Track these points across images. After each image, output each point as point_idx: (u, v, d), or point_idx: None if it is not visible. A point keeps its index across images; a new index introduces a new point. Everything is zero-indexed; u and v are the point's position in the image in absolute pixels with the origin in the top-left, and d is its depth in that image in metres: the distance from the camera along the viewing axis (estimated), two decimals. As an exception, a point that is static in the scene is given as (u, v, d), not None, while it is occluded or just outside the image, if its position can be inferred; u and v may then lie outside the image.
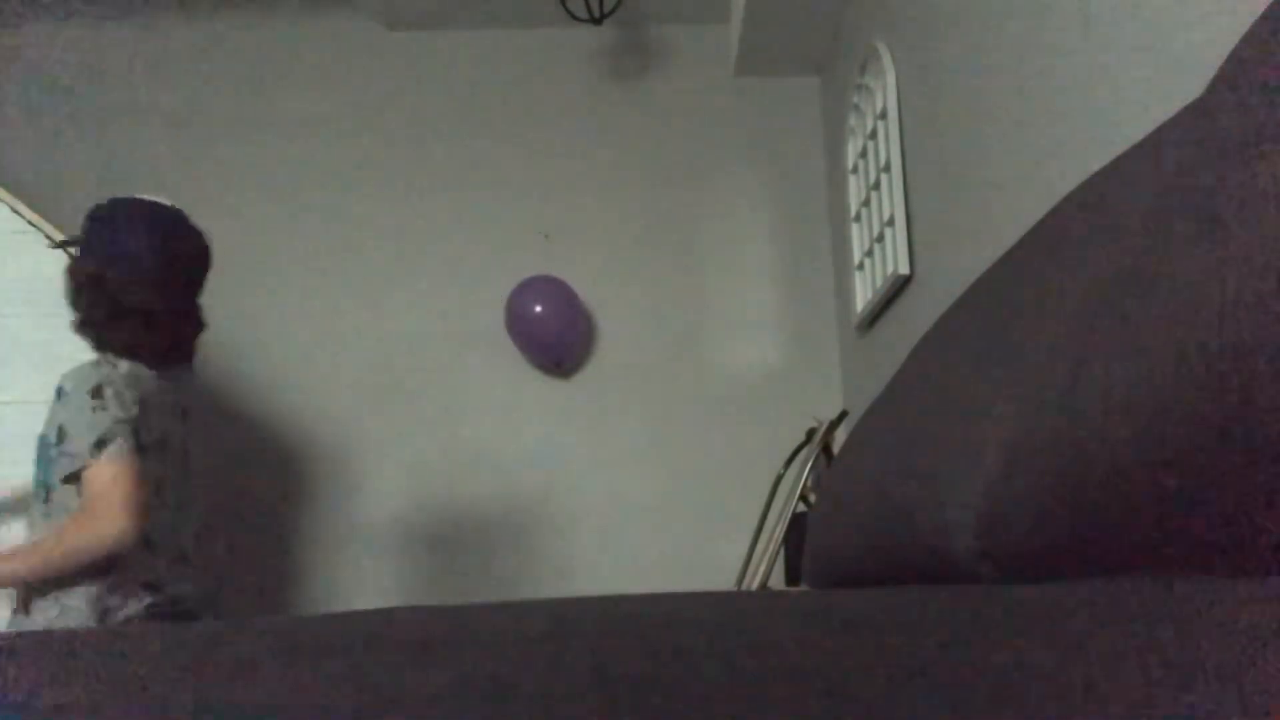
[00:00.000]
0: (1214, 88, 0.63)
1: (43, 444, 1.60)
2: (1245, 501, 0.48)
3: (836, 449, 2.28)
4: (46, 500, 1.59)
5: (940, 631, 0.40)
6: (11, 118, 3.10)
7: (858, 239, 2.61)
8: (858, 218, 2.62)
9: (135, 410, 1.58)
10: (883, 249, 2.37)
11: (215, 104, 3.17)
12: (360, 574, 2.85)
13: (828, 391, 2.95)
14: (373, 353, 3.00)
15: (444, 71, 3.21)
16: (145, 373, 1.63)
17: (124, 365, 1.61)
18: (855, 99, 2.60)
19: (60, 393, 1.57)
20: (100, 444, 1.53)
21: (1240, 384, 0.45)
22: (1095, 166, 0.93)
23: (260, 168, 3.13)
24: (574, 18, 2.85)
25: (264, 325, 3.02)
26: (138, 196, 1.71)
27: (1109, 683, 0.33)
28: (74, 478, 1.55)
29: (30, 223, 2.03)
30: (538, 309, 2.87)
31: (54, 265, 2.02)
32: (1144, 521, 0.54)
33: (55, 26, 3.18)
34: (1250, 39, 0.60)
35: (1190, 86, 0.98)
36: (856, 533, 1.06)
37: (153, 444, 1.61)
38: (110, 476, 1.52)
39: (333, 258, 3.06)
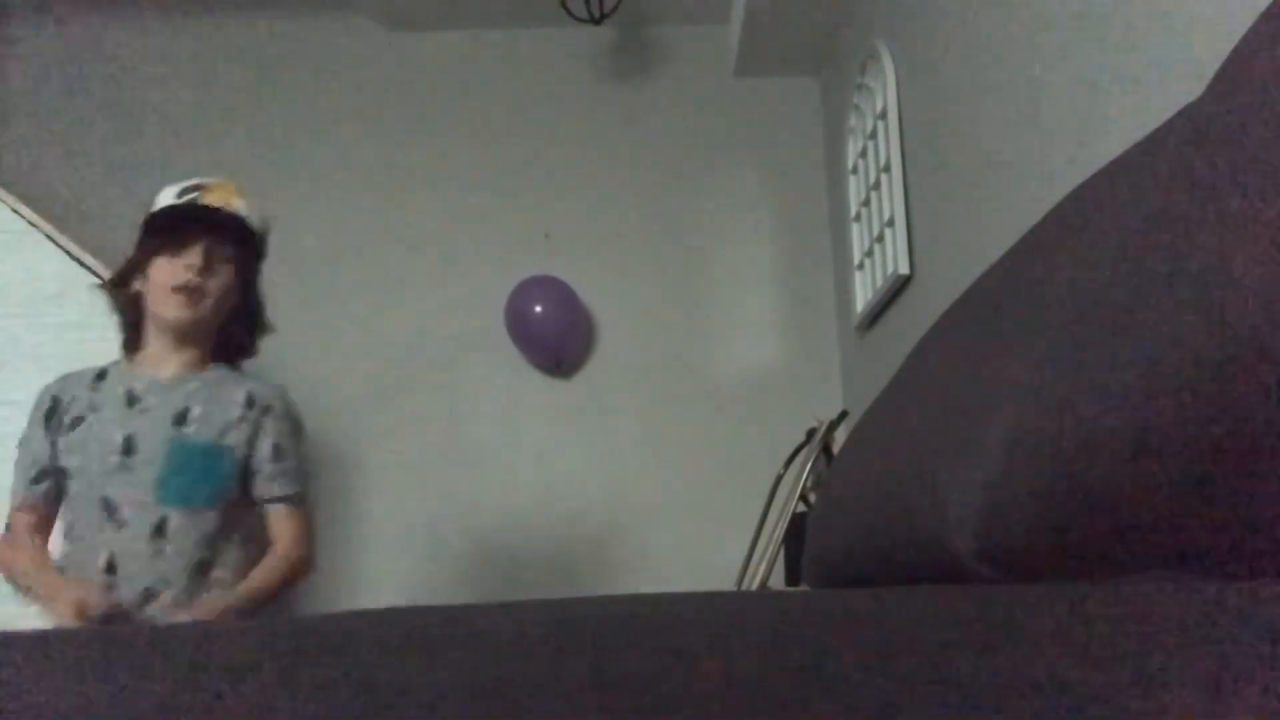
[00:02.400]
0: (1214, 88, 0.63)
1: (227, 452, 1.51)
2: (1245, 502, 0.48)
3: (836, 449, 2.28)
4: (225, 514, 1.51)
5: (941, 631, 0.40)
6: (11, 118, 3.10)
7: (858, 239, 2.61)
8: (858, 218, 2.61)
9: None
10: (883, 249, 2.37)
11: (215, 104, 3.17)
12: (361, 574, 2.85)
13: (828, 391, 2.95)
14: (373, 353, 3.00)
15: (444, 71, 3.21)
16: None
17: None
18: (855, 99, 2.60)
19: (269, 410, 1.55)
20: (308, 477, 1.59)
21: (1241, 384, 0.45)
22: (1095, 166, 0.93)
23: (260, 167, 3.12)
24: (574, 18, 2.85)
25: (264, 325, 3.02)
26: None
27: (1109, 682, 0.33)
28: (287, 499, 1.55)
29: (30, 223, 2.02)
30: (538, 309, 2.86)
31: (53, 265, 2.02)
32: (1144, 522, 0.54)
33: (55, 26, 3.18)
34: (1250, 39, 0.60)
35: (1190, 86, 0.98)
36: (856, 533, 1.06)
37: None
38: (311, 514, 1.58)
39: (332, 257, 3.06)
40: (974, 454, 0.75)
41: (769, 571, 2.23)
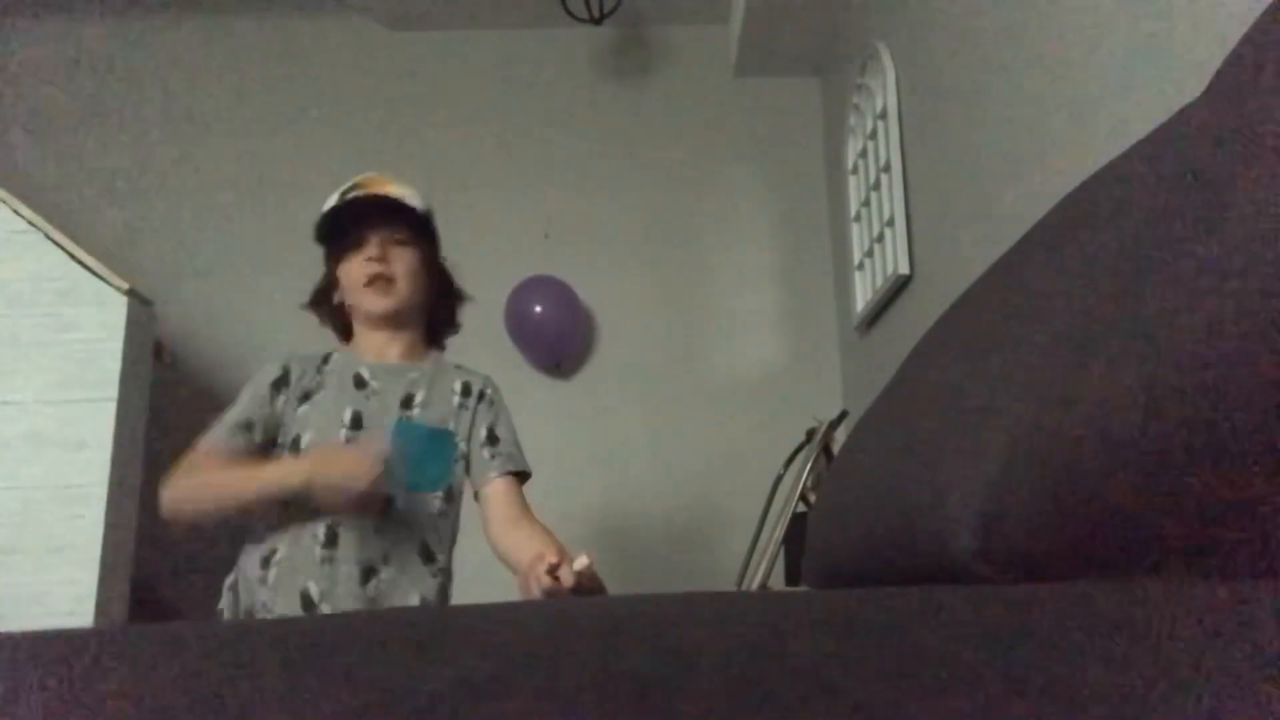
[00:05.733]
0: (1214, 88, 0.63)
1: (448, 440, 1.58)
2: (1244, 502, 0.48)
3: (836, 449, 2.28)
4: (448, 499, 1.60)
5: (940, 631, 0.40)
6: (11, 118, 3.10)
7: (858, 239, 2.61)
8: (858, 218, 2.61)
9: None
10: (883, 249, 2.37)
11: (216, 103, 3.17)
12: (360, 574, 2.85)
13: (828, 391, 2.95)
14: (373, 353, 2.99)
15: (444, 71, 3.21)
16: None
17: None
18: (855, 99, 2.60)
19: (484, 396, 1.67)
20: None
21: (1240, 384, 0.45)
22: (1095, 166, 0.93)
23: (260, 167, 3.12)
24: (574, 18, 2.85)
25: (263, 324, 3.02)
26: None
27: (1108, 682, 0.33)
28: (517, 475, 1.63)
29: (30, 223, 2.02)
30: (538, 309, 2.86)
31: (53, 265, 2.02)
32: (1144, 522, 0.54)
33: (55, 26, 3.18)
34: (1250, 39, 0.60)
35: (1190, 86, 0.97)
36: (856, 533, 1.06)
37: None
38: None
39: (333, 258, 3.06)
40: (974, 454, 0.75)
41: (769, 571, 2.23)
